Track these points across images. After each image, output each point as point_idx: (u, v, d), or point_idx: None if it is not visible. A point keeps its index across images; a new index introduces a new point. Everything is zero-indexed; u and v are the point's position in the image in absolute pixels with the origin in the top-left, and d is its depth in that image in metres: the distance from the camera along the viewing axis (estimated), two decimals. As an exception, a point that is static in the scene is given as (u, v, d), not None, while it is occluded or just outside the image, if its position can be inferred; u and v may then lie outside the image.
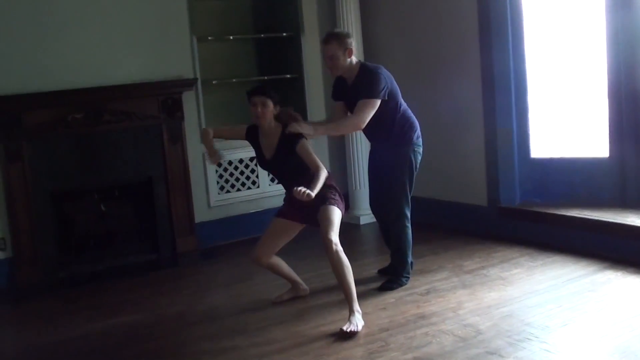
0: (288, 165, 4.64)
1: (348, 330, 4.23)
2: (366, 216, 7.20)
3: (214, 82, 6.90)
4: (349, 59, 4.91)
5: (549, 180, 6.03)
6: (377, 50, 7.26)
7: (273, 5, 7.47)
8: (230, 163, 6.87)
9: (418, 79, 6.83)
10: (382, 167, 5.22)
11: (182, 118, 6.46)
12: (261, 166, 4.92)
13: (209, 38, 6.89)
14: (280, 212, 4.88)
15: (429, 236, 6.32)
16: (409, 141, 5.09)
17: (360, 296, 4.88)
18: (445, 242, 6.14)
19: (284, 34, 7.30)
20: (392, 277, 5.18)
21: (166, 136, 6.40)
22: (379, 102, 4.87)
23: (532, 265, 5.32)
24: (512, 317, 4.31)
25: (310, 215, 4.59)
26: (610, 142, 5.61)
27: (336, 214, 4.54)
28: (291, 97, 7.40)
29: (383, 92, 4.89)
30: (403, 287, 5.05)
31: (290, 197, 4.59)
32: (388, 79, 5.00)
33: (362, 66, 5.00)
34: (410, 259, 5.21)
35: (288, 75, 7.30)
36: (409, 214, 5.17)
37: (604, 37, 5.51)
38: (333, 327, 4.38)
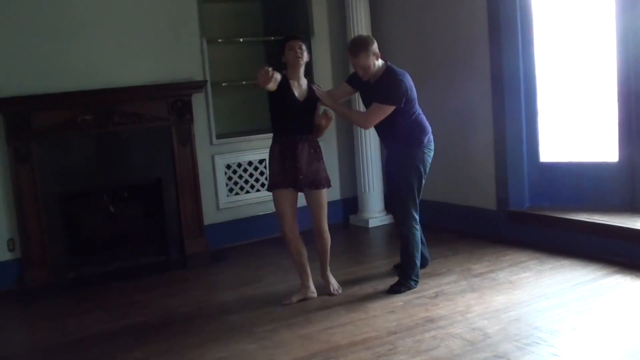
0: (310, 113, 5.00)
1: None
2: (375, 219, 7.20)
3: (223, 84, 6.91)
4: (377, 61, 4.99)
5: (558, 184, 6.01)
6: (386, 52, 7.21)
7: (283, 8, 7.47)
8: (239, 165, 6.87)
9: (427, 81, 6.82)
10: (393, 168, 5.26)
11: (191, 120, 6.47)
12: (291, 107, 4.94)
13: (219, 40, 6.90)
14: (273, 185, 4.96)
15: (437, 239, 6.31)
16: (420, 144, 5.11)
17: (369, 299, 4.91)
18: (454, 246, 6.13)
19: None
20: (400, 280, 5.18)
21: (175, 138, 6.41)
22: (392, 108, 4.92)
23: (540, 269, 5.31)
24: (521, 321, 4.30)
25: (301, 183, 4.92)
26: (620, 146, 5.59)
27: (326, 198, 5.06)
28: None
29: (400, 100, 4.93)
30: (412, 290, 5.04)
31: (284, 167, 4.91)
32: (409, 87, 5.02)
33: (388, 69, 5.03)
34: (418, 262, 5.21)
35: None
36: (417, 216, 5.19)
37: (614, 39, 5.49)
38: (340, 330, 4.38)
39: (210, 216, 6.72)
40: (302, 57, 4.93)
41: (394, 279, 5.26)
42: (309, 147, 4.96)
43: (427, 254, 5.58)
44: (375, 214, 7.24)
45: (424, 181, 5.21)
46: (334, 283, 5.17)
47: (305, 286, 5.07)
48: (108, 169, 6.23)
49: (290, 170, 4.89)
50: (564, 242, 5.66)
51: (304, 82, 5.01)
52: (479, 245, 6.06)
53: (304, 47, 4.95)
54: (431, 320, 4.44)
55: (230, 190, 6.87)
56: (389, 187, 5.43)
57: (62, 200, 6.15)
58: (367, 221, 7.17)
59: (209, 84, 6.65)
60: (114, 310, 5.20)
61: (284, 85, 4.92)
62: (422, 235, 5.43)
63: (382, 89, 4.96)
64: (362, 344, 4.15)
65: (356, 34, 6.96)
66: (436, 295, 4.91)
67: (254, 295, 5.22)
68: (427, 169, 5.20)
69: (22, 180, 5.87)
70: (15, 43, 5.84)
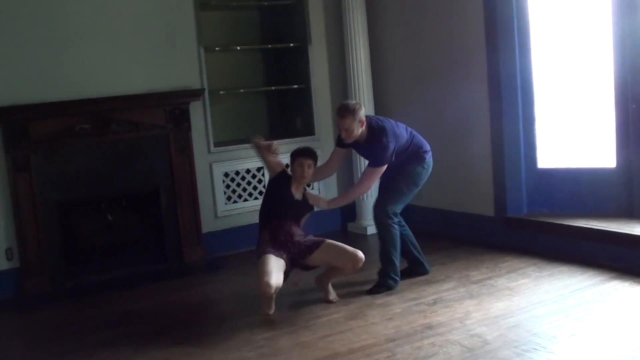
0: (303, 211, 5.22)
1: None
2: (373, 226, 7.17)
3: (221, 92, 6.91)
4: (361, 129, 5.14)
5: (556, 191, 6.02)
6: (383, 60, 7.28)
7: (280, 16, 7.49)
8: (237, 173, 6.88)
9: (425, 88, 6.85)
10: (388, 177, 5.34)
11: (189, 128, 6.47)
12: (287, 202, 5.16)
13: (217, 49, 6.91)
14: (264, 252, 4.95)
15: (435, 246, 6.32)
16: (422, 160, 5.39)
17: (367, 306, 4.91)
18: (452, 252, 6.14)
19: (291, 45, 7.32)
20: (379, 280, 5.31)
21: (173, 146, 6.41)
22: (384, 167, 5.20)
23: (539, 276, 5.31)
24: (519, 327, 4.30)
25: (296, 260, 5.04)
26: (617, 152, 5.60)
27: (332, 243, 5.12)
28: (298, 107, 7.42)
29: (389, 159, 5.18)
30: (410, 298, 5.04)
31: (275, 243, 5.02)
32: (394, 137, 5.20)
33: (369, 129, 5.19)
34: (397, 261, 5.35)
35: (295, 86, 7.31)
36: (396, 219, 5.40)
37: (611, 45, 5.51)
38: (339, 338, 4.38)
39: (208, 224, 6.71)
40: (306, 177, 5.20)
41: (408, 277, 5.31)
42: (297, 228, 5.16)
43: (424, 262, 5.63)
44: (373, 222, 7.22)
45: (413, 194, 5.47)
46: (333, 292, 5.19)
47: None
48: (106, 177, 6.23)
49: (284, 244, 5.01)
50: (562, 248, 5.67)
51: (302, 188, 5.27)
52: (477, 252, 6.06)
53: (312, 164, 5.18)
54: (430, 327, 4.44)
55: (229, 198, 6.87)
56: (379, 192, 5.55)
57: (60, 209, 6.15)
58: (365, 228, 7.17)
59: (206, 92, 6.66)
60: (113, 319, 5.20)
61: (285, 180, 5.21)
62: (417, 245, 5.63)
63: (371, 150, 5.21)
64: (360, 351, 4.15)
65: (354, 41, 7.01)
66: (435, 302, 4.91)
67: (253, 303, 5.20)
68: (422, 183, 5.44)
69: (20, 189, 5.88)
70: (13, 52, 5.85)
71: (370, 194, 7.11)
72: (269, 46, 7.39)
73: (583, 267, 5.35)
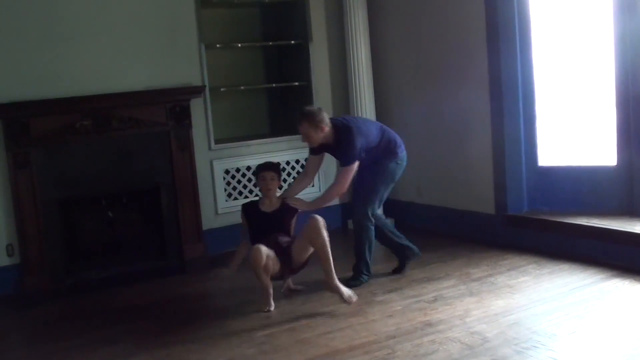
0: (284, 219, 5.33)
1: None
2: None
3: (222, 89, 6.91)
4: (322, 134, 5.26)
5: (557, 189, 6.02)
6: (384, 58, 7.28)
7: (281, 13, 7.48)
8: (237, 170, 6.88)
9: (426, 86, 6.85)
10: (363, 176, 5.51)
11: (190, 125, 6.47)
12: (256, 220, 5.36)
13: (217, 46, 6.91)
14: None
15: (436, 244, 6.33)
16: (395, 156, 5.52)
17: (367, 304, 4.91)
18: (452, 250, 6.14)
19: (292, 42, 7.32)
20: (353, 275, 5.48)
21: (174, 143, 6.41)
22: (356, 164, 5.31)
23: (539, 273, 5.31)
24: (519, 325, 4.30)
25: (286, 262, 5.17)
26: (618, 150, 5.60)
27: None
28: (299, 105, 7.39)
29: (358, 155, 5.28)
30: (410, 295, 5.05)
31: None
32: (359, 134, 5.31)
33: (335, 130, 5.32)
34: (369, 259, 5.49)
35: (296, 83, 7.31)
36: (373, 219, 5.51)
37: (612, 43, 5.50)
38: (339, 335, 4.39)
39: (208, 221, 6.71)
40: (272, 189, 5.35)
41: (393, 284, 5.30)
42: (284, 236, 5.28)
43: (410, 245, 5.75)
44: (352, 222, 7.22)
45: (389, 191, 5.60)
46: (346, 290, 5.04)
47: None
48: (107, 174, 6.23)
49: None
50: (562, 246, 5.67)
51: (276, 201, 5.39)
52: (477, 250, 6.06)
53: (275, 176, 5.35)
54: (430, 324, 4.44)
55: (229, 195, 6.87)
56: (353, 194, 5.65)
57: (61, 206, 6.15)
58: (365, 226, 7.17)
59: (207, 89, 6.65)
60: (113, 316, 5.21)
61: (251, 205, 5.49)
62: (396, 231, 5.81)
63: (340, 150, 5.34)
64: (361, 348, 4.15)
65: (355, 38, 7.00)
66: (435, 300, 4.91)
67: (253, 300, 5.21)
68: (396, 179, 5.62)
69: (20, 185, 5.88)
70: (13, 49, 5.85)
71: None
72: (270, 43, 7.39)
73: (583, 265, 5.35)
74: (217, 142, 6.79)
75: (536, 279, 5.20)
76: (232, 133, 7.15)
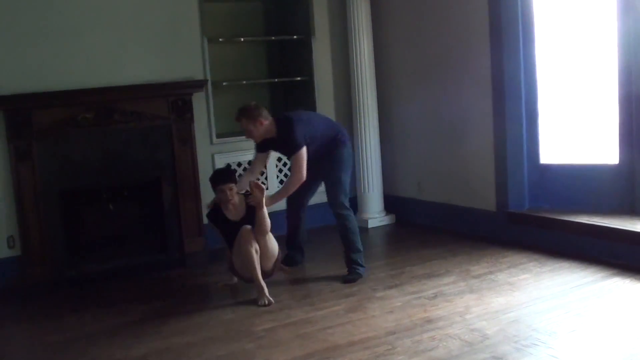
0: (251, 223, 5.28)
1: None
2: (374, 219, 7.21)
3: (224, 83, 6.91)
4: (261, 127, 5.42)
5: (558, 186, 6.01)
6: (387, 54, 7.27)
7: (284, 7, 7.48)
8: (239, 165, 6.88)
9: (428, 82, 6.84)
10: (323, 173, 5.64)
11: (191, 119, 6.46)
12: (226, 229, 5.47)
13: (220, 40, 6.90)
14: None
15: (436, 240, 6.33)
16: (344, 144, 5.65)
17: (367, 299, 4.91)
18: (453, 247, 6.14)
19: (295, 37, 7.31)
20: (350, 269, 5.49)
21: (175, 137, 6.40)
22: (304, 149, 5.37)
23: (540, 271, 5.31)
24: (519, 322, 4.30)
25: None
26: (620, 149, 5.59)
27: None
28: (301, 99, 7.41)
29: (304, 141, 5.37)
30: (410, 291, 5.05)
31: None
32: (300, 122, 5.46)
33: (277, 123, 5.49)
34: (361, 247, 5.58)
35: (298, 78, 7.30)
36: (348, 205, 5.62)
37: (615, 42, 5.49)
38: (339, 330, 4.39)
39: (209, 215, 6.72)
40: (232, 199, 5.40)
41: (393, 280, 5.30)
42: None
43: (300, 256, 6.03)
44: (375, 215, 7.24)
45: (350, 177, 5.75)
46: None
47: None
48: (108, 167, 6.23)
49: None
50: (563, 244, 5.67)
51: (241, 202, 5.47)
52: (478, 247, 6.06)
53: (233, 185, 5.41)
54: (430, 321, 4.44)
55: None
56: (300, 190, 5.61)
57: (62, 198, 6.15)
58: (366, 221, 7.18)
59: (209, 83, 6.65)
60: (113, 308, 5.21)
61: (215, 212, 5.53)
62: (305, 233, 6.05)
63: (285, 142, 5.43)
64: (360, 344, 4.15)
65: (357, 34, 7.00)
66: (435, 296, 4.91)
67: (252, 294, 5.21)
68: (352, 164, 5.90)
69: (22, 178, 5.87)
70: (16, 42, 5.84)
71: (372, 188, 7.14)
72: (273, 38, 7.39)
73: (584, 264, 5.35)
74: (218, 136, 6.79)
75: (537, 276, 5.20)
76: (234, 127, 7.10)
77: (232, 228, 5.35)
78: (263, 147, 5.67)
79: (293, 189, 5.48)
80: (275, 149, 5.77)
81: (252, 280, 5.17)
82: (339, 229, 5.60)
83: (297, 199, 5.77)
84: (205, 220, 6.54)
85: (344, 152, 5.63)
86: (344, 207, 5.57)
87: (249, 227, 5.17)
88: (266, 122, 5.43)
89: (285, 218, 5.98)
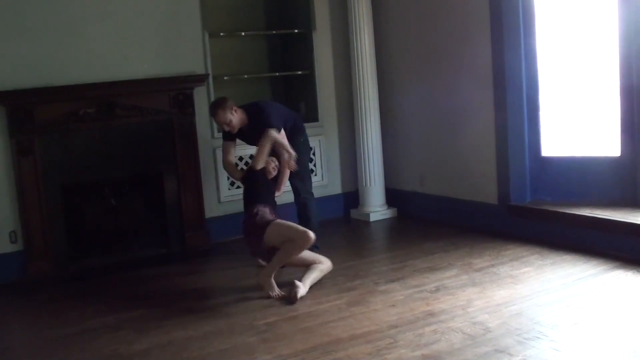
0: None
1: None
2: (376, 213, 7.21)
3: (225, 78, 6.91)
4: (237, 115, 5.65)
5: (560, 179, 6.01)
6: (388, 46, 7.26)
7: (285, 1, 7.48)
8: (240, 159, 6.88)
9: (429, 75, 6.83)
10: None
11: (193, 113, 6.47)
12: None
13: (221, 34, 6.90)
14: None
15: (438, 233, 6.33)
16: (304, 131, 6.06)
17: (369, 293, 4.90)
18: (455, 240, 6.14)
19: (296, 31, 7.31)
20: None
21: (177, 131, 6.41)
22: (282, 131, 5.68)
23: (542, 264, 5.31)
24: (522, 315, 4.30)
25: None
26: (622, 141, 5.59)
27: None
28: (302, 93, 7.41)
29: (278, 121, 5.66)
30: (412, 285, 5.04)
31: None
32: (269, 106, 5.83)
33: (247, 112, 5.73)
34: (316, 228, 5.75)
35: (299, 72, 7.30)
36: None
37: (616, 33, 5.48)
38: (341, 324, 4.39)
39: (211, 209, 6.73)
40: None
41: (395, 274, 5.31)
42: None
43: None
44: (377, 208, 7.25)
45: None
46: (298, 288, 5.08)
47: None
48: (110, 161, 6.24)
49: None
50: (565, 237, 5.67)
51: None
52: (480, 240, 6.06)
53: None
54: (432, 314, 4.44)
55: (232, 183, 6.87)
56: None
57: (64, 193, 6.16)
58: (368, 215, 7.18)
59: (210, 78, 6.66)
60: (115, 303, 5.22)
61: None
62: None
63: (259, 124, 5.60)
64: (362, 337, 4.16)
65: (358, 27, 6.99)
66: (437, 290, 4.91)
67: (254, 288, 5.22)
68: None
69: (24, 172, 5.88)
70: (18, 36, 5.85)
71: (374, 182, 7.14)
72: (274, 32, 7.38)
73: (586, 256, 5.35)
74: (220, 130, 6.78)
75: (539, 269, 5.20)
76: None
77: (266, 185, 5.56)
78: (232, 135, 5.83)
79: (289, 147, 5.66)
80: (244, 138, 5.91)
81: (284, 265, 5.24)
82: (302, 213, 5.98)
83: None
84: (206, 215, 6.59)
85: (305, 138, 6.05)
86: (310, 194, 6.06)
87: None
88: (239, 110, 5.67)
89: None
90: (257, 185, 5.48)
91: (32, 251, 5.97)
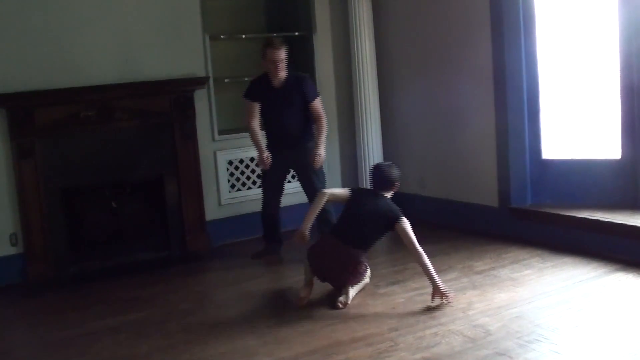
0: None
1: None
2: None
3: (225, 80, 6.91)
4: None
5: (560, 182, 6.00)
6: (388, 49, 7.26)
7: (285, 4, 7.47)
8: (241, 161, 6.88)
9: (429, 78, 6.83)
10: (306, 163, 5.89)
11: (193, 116, 6.47)
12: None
13: (221, 37, 6.90)
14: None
15: (439, 236, 6.32)
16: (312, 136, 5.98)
17: (370, 296, 4.91)
18: (455, 243, 6.13)
19: (296, 33, 7.31)
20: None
21: (178, 134, 6.41)
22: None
23: (542, 267, 5.31)
24: (522, 318, 4.30)
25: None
26: (622, 143, 5.58)
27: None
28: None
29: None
30: (413, 287, 5.03)
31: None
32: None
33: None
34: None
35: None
36: None
37: (616, 34, 5.47)
38: (342, 327, 4.39)
39: (212, 212, 6.72)
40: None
41: (396, 276, 5.31)
42: None
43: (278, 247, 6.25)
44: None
45: None
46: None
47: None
48: (110, 164, 6.24)
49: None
50: (566, 240, 5.66)
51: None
52: (480, 242, 6.06)
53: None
54: (432, 317, 4.44)
55: (232, 186, 6.87)
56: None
57: (65, 196, 6.16)
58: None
59: (211, 80, 6.65)
60: (116, 305, 5.21)
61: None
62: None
63: (302, 87, 5.78)
64: (363, 340, 4.15)
65: (359, 30, 6.99)
66: (438, 292, 4.91)
67: (256, 292, 5.22)
68: None
69: (25, 175, 5.89)
70: (18, 39, 5.85)
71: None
72: (274, 35, 7.36)
73: (587, 259, 5.34)
74: (220, 133, 6.79)
75: (539, 272, 5.20)
76: (236, 124, 7.14)
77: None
78: (257, 96, 5.87)
79: (325, 129, 5.83)
80: (274, 99, 5.82)
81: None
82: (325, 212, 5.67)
83: (277, 184, 6.05)
84: (207, 218, 6.58)
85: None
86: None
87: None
88: None
89: (264, 209, 6.13)
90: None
91: (33, 254, 5.97)
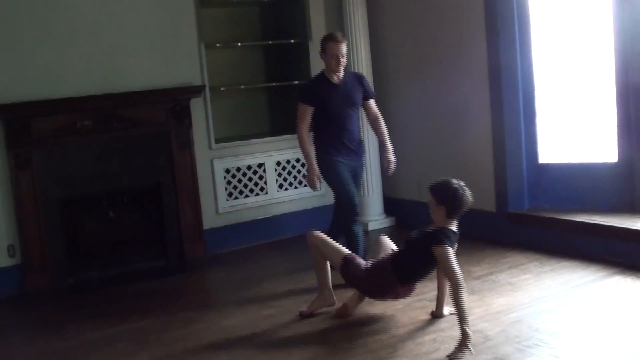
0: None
1: None
2: (374, 222, 7.21)
3: (222, 88, 6.91)
4: None
5: (558, 186, 6.01)
6: (383, 55, 7.27)
7: (281, 12, 7.48)
8: (238, 169, 6.88)
9: (424, 81, 6.84)
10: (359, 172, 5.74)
11: (190, 125, 6.46)
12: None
13: (217, 45, 6.91)
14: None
15: (437, 242, 6.31)
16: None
17: (369, 301, 4.89)
18: (453, 248, 6.13)
19: (292, 41, 7.31)
20: None
21: (174, 143, 6.41)
22: None
23: (541, 271, 5.31)
24: (521, 323, 4.30)
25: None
26: (619, 147, 5.59)
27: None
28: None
29: None
30: (412, 293, 5.03)
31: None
32: None
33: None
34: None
35: (296, 82, 7.29)
36: None
37: (612, 37, 5.49)
38: (341, 333, 4.40)
39: (209, 220, 6.71)
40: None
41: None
42: None
43: None
44: (375, 217, 7.24)
45: None
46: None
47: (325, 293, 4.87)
48: (107, 174, 6.23)
49: None
50: (563, 244, 5.66)
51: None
52: (478, 248, 6.05)
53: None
54: (431, 323, 4.44)
55: (230, 194, 6.87)
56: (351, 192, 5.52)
57: (62, 206, 6.15)
58: (366, 224, 7.17)
59: (207, 89, 6.65)
60: (114, 315, 5.20)
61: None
62: None
63: (360, 85, 5.56)
64: (362, 346, 4.15)
65: (354, 38, 6.99)
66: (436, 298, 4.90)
67: (253, 300, 5.22)
68: None
69: (22, 186, 5.88)
70: (14, 49, 5.84)
71: (372, 191, 7.15)
72: (270, 42, 7.38)
73: (585, 263, 5.35)
74: (217, 141, 6.79)
75: (537, 276, 5.20)
76: (233, 132, 7.15)
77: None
78: (315, 100, 5.40)
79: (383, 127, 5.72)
80: (335, 97, 5.41)
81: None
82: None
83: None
84: (205, 226, 6.58)
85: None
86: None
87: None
88: None
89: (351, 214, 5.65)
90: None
91: (30, 264, 5.95)
